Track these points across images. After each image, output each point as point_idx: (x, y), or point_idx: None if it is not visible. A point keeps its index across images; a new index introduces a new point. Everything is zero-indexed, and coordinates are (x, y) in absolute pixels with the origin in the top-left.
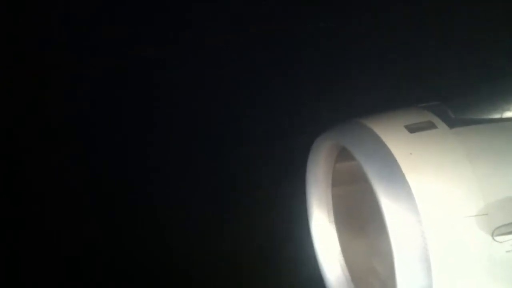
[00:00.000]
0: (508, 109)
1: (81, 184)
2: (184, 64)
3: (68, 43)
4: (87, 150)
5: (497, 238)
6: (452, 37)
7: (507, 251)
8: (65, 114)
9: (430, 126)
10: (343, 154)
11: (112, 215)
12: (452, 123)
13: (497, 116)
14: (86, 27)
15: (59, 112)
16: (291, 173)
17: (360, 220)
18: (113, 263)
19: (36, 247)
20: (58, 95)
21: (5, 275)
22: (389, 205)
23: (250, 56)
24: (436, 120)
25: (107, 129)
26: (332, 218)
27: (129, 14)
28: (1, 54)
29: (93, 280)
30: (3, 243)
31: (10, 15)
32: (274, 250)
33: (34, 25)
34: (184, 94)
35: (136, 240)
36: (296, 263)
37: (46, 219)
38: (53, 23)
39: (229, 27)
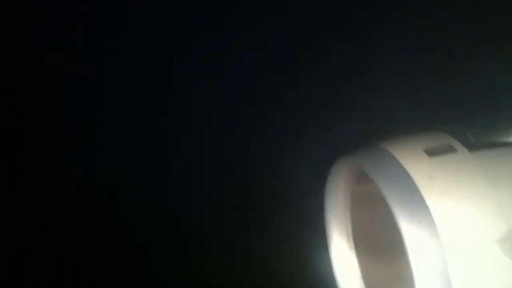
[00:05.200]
0: None
1: (82, 184)
2: (195, 68)
3: (74, 43)
4: (94, 152)
5: None
6: (470, 56)
7: None
8: (66, 114)
9: (450, 149)
10: (362, 178)
11: (121, 219)
12: (472, 147)
13: None
14: (92, 28)
15: (61, 112)
16: (309, 197)
17: (380, 245)
18: (121, 267)
19: (36, 247)
20: (60, 95)
21: (5, 275)
22: (410, 230)
23: (268, 80)
24: (455, 143)
25: (114, 130)
26: (352, 243)
27: (133, 15)
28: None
29: (93, 280)
30: (3, 243)
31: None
32: (293, 275)
33: (34, 25)
34: (198, 100)
35: (145, 245)
36: None
37: (47, 219)
38: (59, 24)
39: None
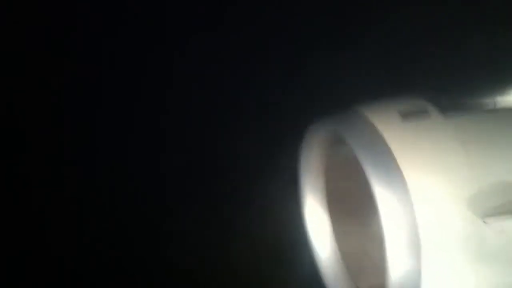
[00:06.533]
0: (502, 98)
1: (82, 184)
2: (195, 68)
3: (74, 43)
4: (94, 152)
5: (487, 220)
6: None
7: (497, 233)
8: (66, 114)
9: (424, 114)
10: (337, 142)
11: (121, 219)
12: (446, 111)
13: (490, 104)
14: (92, 28)
15: (61, 112)
16: (284, 160)
17: (353, 206)
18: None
19: (36, 247)
20: (60, 95)
21: (5, 275)
22: (382, 192)
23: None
24: (430, 108)
25: (114, 130)
26: (326, 206)
27: (133, 16)
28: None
29: (93, 280)
30: (3, 243)
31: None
32: (267, 239)
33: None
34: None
35: (145, 245)
36: (289, 250)
37: (47, 219)
38: (59, 24)
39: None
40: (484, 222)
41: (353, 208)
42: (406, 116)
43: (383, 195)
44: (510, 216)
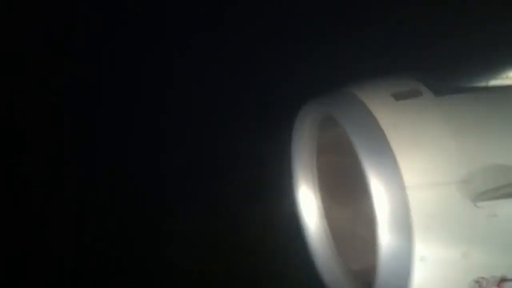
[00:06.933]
0: (494, 78)
1: (82, 184)
2: (195, 68)
3: (74, 43)
4: (94, 152)
5: (479, 204)
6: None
7: (488, 216)
8: (66, 114)
9: (416, 94)
10: (329, 122)
11: (121, 219)
12: (438, 91)
13: (482, 84)
14: (92, 28)
15: (61, 112)
16: (277, 140)
17: (345, 187)
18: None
19: (36, 247)
20: (60, 95)
21: (5, 275)
22: (374, 173)
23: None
24: (422, 88)
25: (114, 130)
26: (317, 186)
27: (133, 15)
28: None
29: (93, 280)
30: (3, 243)
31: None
32: (267, 239)
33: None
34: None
35: (144, 245)
36: (289, 250)
37: (47, 219)
38: (59, 24)
39: None
40: (476, 205)
41: (345, 190)
42: (398, 96)
43: (374, 175)
44: (502, 200)
